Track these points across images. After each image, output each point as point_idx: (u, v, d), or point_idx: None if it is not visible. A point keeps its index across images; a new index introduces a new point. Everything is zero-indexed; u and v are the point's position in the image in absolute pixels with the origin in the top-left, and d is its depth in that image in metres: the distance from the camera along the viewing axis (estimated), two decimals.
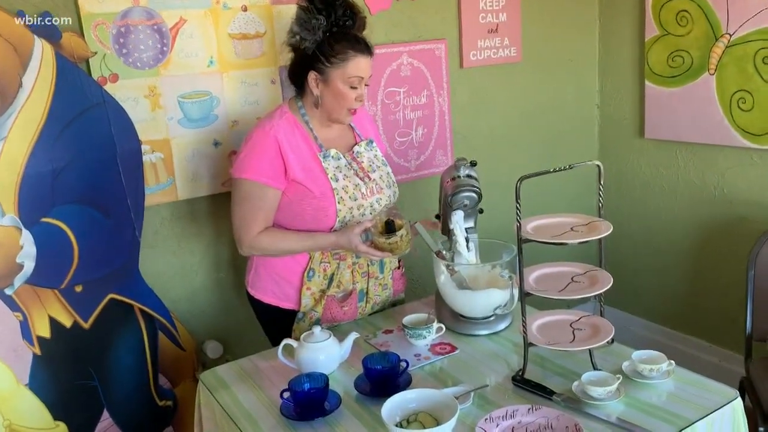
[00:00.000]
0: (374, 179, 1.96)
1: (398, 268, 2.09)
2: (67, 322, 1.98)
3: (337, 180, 1.87)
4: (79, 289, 1.98)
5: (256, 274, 2.00)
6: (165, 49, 2.11)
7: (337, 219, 1.87)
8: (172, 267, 2.29)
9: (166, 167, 2.18)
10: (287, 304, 1.96)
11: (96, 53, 2.00)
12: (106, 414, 2.09)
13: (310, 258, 1.91)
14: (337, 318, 1.97)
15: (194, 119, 2.20)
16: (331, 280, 1.93)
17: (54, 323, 1.95)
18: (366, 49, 1.85)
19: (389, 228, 1.81)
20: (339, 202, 1.86)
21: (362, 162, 1.95)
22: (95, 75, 2.00)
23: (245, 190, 1.86)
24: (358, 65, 1.82)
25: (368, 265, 1.97)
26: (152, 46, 2.08)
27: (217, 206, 2.33)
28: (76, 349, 2.00)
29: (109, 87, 2.02)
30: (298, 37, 1.83)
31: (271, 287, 1.98)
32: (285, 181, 1.85)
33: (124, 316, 2.10)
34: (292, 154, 1.84)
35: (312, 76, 1.85)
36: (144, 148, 2.11)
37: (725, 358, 2.88)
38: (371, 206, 1.92)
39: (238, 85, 2.26)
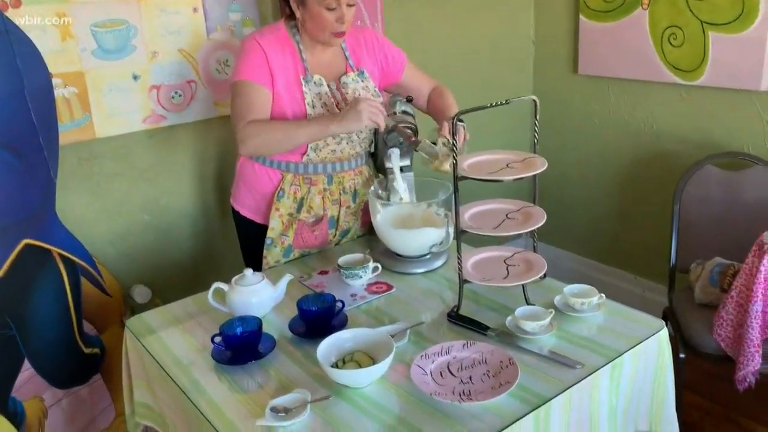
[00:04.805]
0: None
1: None
2: None
3: (313, 107, 1.85)
4: None
5: (237, 186, 2.03)
6: None
7: (309, 146, 1.85)
8: (93, 209, 2.17)
9: (81, 102, 2.04)
10: (260, 219, 1.98)
11: None
12: (27, 364, 2.00)
13: (282, 178, 1.91)
14: (309, 243, 1.97)
15: (110, 50, 2.05)
16: (300, 204, 1.92)
17: None
18: None
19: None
20: None
21: (346, 93, 1.91)
22: None
23: (237, 91, 1.83)
24: None
25: (340, 193, 1.96)
26: None
27: (139, 144, 2.21)
28: None
29: (10, 13, 1.84)
30: None
31: (248, 200, 2.00)
32: (272, 88, 1.82)
33: (42, 262, 1.98)
34: (277, 68, 1.82)
35: None
36: (55, 81, 1.96)
37: (649, 288, 3.01)
38: (348, 136, 1.89)
39: (158, 13, 2.11)
